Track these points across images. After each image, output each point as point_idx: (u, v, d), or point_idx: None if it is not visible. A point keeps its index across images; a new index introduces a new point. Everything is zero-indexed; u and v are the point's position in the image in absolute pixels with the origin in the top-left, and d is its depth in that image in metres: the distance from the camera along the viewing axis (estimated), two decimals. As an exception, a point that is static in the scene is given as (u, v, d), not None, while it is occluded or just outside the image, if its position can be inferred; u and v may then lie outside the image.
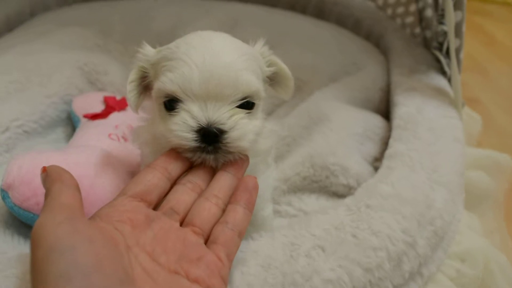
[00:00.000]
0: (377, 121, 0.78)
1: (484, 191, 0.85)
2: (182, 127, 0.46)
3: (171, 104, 0.47)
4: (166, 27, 1.01)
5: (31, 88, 0.76)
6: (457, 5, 0.77)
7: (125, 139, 0.64)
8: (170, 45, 0.49)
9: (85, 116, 0.69)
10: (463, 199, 0.65)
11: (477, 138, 1.01)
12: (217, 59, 0.46)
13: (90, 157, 0.55)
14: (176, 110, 0.46)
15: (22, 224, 0.55)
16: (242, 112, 0.47)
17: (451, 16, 0.75)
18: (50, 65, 0.80)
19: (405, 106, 0.73)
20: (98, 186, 0.53)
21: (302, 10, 1.23)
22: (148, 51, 0.50)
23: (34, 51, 0.84)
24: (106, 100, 0.71)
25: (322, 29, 1.06)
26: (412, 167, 0.58)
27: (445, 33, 0.84)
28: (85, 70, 0.83)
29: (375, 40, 1.07)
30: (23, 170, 0.51)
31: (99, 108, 0.71)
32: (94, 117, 0.68)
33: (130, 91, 0.50)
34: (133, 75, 0.50)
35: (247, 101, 0.47)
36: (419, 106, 0.72)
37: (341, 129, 0.74)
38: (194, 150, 0.46)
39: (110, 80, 0.84)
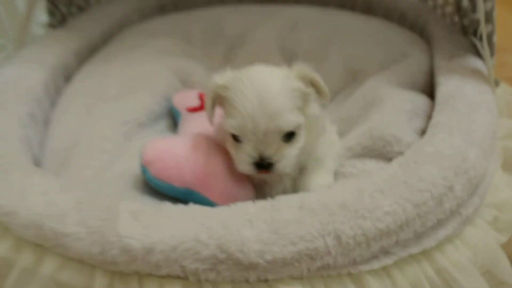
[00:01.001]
0: (423, 100, 0.92)
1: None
2: (243, 162, 0.66)
3: (235, 137, 0.67)
4: (236, 33, 1.20)
5: (139, 90, 0.96)
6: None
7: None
8: (232, 81, 0.67)
9: (188, 110, 0.88)
10: (496, 158, 0.78)
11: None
12: (264, 110, 0.63)
13: (203, 140, 0.74)
14: (240, 142, 0.66)
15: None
16: (285, 145, 0.66)
17: (481, 6, 0.88)
18: (150, 71, 1.01)
19: (446, 86, 0.87)
20: (211, 160, 0.72)
21: (352, 7, 1.37)
22: (217, 86, 0.68)
23: (134, 60, 1.05)
24: (201, 95, 0.89)
25: (370, 23, 1.21)
26: (451, 132, 0.72)
27: (478, 21, 0.96)
28: (177, 73, 1.03)
29: (419, 30, 1.20)
30: (158, 150, 0.71)
31: (195, 102, 0.90)
32: (195, 109, 0.87)
33: (208, 110, 0.70)
34: (209, 101, 0.70)
35: (289, 133, 0.66)
36: (457, 85, 0.86)
37: (393, 107, 0.89)
38: (255, 174, 0.68)
39: (197, 80, 1.04)
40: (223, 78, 0.69)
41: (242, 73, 0.68)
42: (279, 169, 0.66)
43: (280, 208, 0.58)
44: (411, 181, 0.62)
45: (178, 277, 0.56)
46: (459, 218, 0.66)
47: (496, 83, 0.99)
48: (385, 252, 0.60)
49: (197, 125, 0.82)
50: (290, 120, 0.65)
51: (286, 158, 0.66)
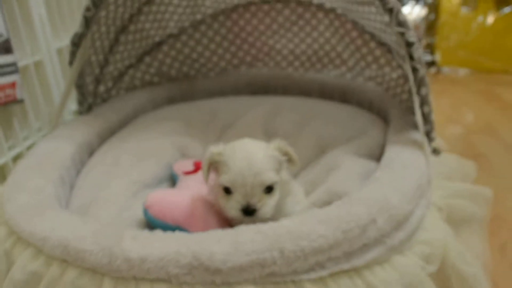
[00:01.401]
0: (374, 165, 1.15)
1: (466, 215, 1.16)
2: (233, 209, 0.86)
3: (227, 190, 0.87)
4: (229, 117, 1.47)
5: (147, 160, 1.21)
6: (422, 82, 1.15)
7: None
8: (225, 150, 0.89)
9: (184, 173, 1.12)
10: (425, 205, 0.98)
11: (472, 179, 1.32)
12: (250, 168, 0.85)
13: (191, 194, 0.97)
14: (230, 194, 0.87)
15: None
16: (266, 196, 0.87)
17: (415, 98, 1.13)
18: (157, 146, 1.27)
19: (389, 152, 1.10)
20: (196, 207, 0.94)
21: (330, 96, 1.65)
22: (213, 153, 0.91)
23: (146, 138, 1.31)
24: (196, 163, 1.14)
25: (340, 109, 1.48)
26: (382, 184, 0.93)
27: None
28: (179, 147, 1.29)
29: (382, 114, 1.46)
30: (157, 197, 0.94)
31: (190, 168, 1.14)
32: (189, 173, 1.11)
33: (204, 173, 0.91)
34: (205, 166, 0.91)
35: (269, 187, 0.87)
36: (397, 151, 1.09)
37: (347, 170, 1.12)
38: (241, 219, 0.86)
39: (194, 153, 1.29)
40: (218, 147, 0.93)
41: (233, 143, 0.93)
42: (261, 214, 0.87)
43: (241, 233, 0.79)
44: (342, 215, 0.83)
45: (164, 280, 0.75)
46: (384, 246, 0.85)
47: (437, 152, 1.21)
48: (321, 265, 0.79)
49: (190, 183, 1.05)
50: (269, 176, 0.87)
51: (267, 205, 0.87)
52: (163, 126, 1.40)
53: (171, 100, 1.67)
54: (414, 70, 1.14)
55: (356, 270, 0.82)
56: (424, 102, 1.17)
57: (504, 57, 2.80)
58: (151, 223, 0.93)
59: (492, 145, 1.82)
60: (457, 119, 2.15)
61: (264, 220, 0.84)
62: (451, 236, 1.01)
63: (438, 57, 2.91)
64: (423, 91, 1.16)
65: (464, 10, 2.86)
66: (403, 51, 1.25)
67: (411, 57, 1.13)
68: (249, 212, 0.86)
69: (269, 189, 0.88)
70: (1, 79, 1.21)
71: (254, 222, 0.83)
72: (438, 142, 1.43)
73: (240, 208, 0.86)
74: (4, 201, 0.95)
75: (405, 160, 1.04)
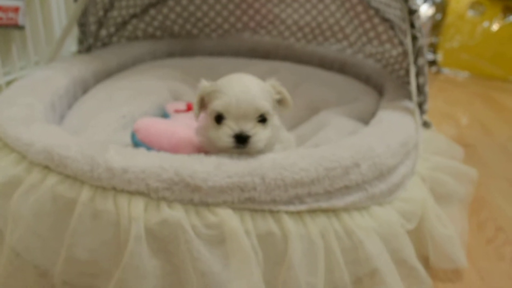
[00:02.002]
0: (362, 127, 1.16)
1: (448, 191, 1.17)
2: (225, 135, 0.80)
3: (219, 119, 0.81)
4: (227, 72, 1.46)
5: (140, 98, 1.22)
6: (420, 52, 1.16)
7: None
8: (218, 81, 0.84)
9: (175, 111, 1.12)
10: (408, 166, 0.99)
11: (459, 161, 1.33)
12: (245, 94, 0.80)
13: (180, 123, 0.97)
14: (222, 123, 0.81)
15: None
16: (259, 125, 0.81)
17: (412, 67, 1.14)
18: (151, 87, 1.28)
19: (379, 114, 1.11)
20: (182, 137, 0.94)
21: (330, 67, 1.66)
22: (205, 85, 0.87)
23: (141, 79, 1.31)
24: (188, 104, 1.14)
25: (338, 77, 1.48)
26: (367, 135, 0.94)
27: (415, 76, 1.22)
28: (172, 91, 1.29)
29: (378, 88, 1.47)
30: (146, 122, 0.94)
31: (182, 108, 1.14)
32: (180, 111, 1.11)
33: (195, 108, 0.86)
34: (197, 99, 0.86)
35: (262, 118, 0.82)
36: (388, 113, 1.10)
37: (336, 128, 1.13)
38: (233, 148, 0.81)
39: (187, 98, 1.29)
40: (213, 81, 0.88)
41: (229, 76, 0.88)
42: (253, 143, 0.80)
43: (224, 158, 0.80)
44: (326, 155, 0.83)
45: (143, 193, 0.76)
46: (365, 192, 0.86)
47: (428, 125, 1.23)
48: (300, 199, 0.80)
49: (180, 119, 1.05)
50: (264, 104, 0.81)
51: (260, 134, 0.81)
52: (160, 71, 1.41)
53: (171, 55, 1.67)
54: (414, 38, 1.15)
55: (335, 211, 0.83)
56: (420, 72, 1.18)
57: (505, 64, 2.82)
58: (138, 147, 0.93)
59: (482, 140, 1.84)
60: (451, 116, 2.17)
61: (254, 154, 0.82)
62: (431, 199, 1.02)
63: (440, 57, 2.92)
64: (420, 61, 1.17)
65: (471, 14, 2.87)
66: (404, 25, 1.26)
67: (412, 25, 1.13)
68: (241, 139, 0.80)
69: (262, 120, 0.83)
70: (5, 1, 1.21)
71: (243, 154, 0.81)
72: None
73: (232, 135, 0.80)
74: (-7, 111, 0.95)
75: (394, 120, 1.06)
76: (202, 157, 0.80)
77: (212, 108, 0.83)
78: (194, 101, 0.88)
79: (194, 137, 0.94)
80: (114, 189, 0.77)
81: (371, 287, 0.84)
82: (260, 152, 0.84)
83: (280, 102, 0.90)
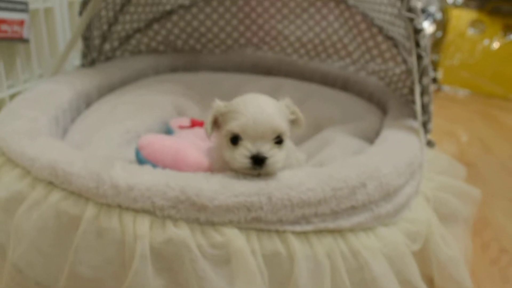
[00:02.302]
0: (366, 146, 1.16)
1: (452, 211, 1.17)
2: (242, 156, 0.78)
3: (235, 140, 0.79)
4: (230, 90, 1.47)
5: (143, 113, 1.21)
6: (424, 71, 1.16)
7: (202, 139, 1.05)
8: (233, 102, 0.82)
9: (180, 127, 1.12)
10: (414, 186, 0.98)
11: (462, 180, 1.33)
12: (262, 114, 0.78)
13: (185, 140, 0.96)
14: (238, 144, 0.79)
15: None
16: (276, 146, 0.80)
17: (417, 86, 1.14)
18: (154, 102, 1.27)
19: (384, 133, 1.10)
20: (189, 154, 0.94)
21: (332, 85, 1.66)
22: (219, 105, 0.85)
23: (145, 93, 1.31)
24: (192, 120, 1.13)
25: (342, 95, 1.48)
26: (373, 155, 0.94)
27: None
28: (176, 106, 1.29)
29: (382, 106, 1.47)
30: (150, 139, 0.93)
31: (186, 124, 1.13)
32: (185, 127, 1.11)
33: (208, 127, 0.84)
34: (210, 118, 0.84)
35: (279, 139, 0.80)
36: (392, 133, 1.09)
37: (341, 146, 1.12)
38: (249, 170, 0.79)
39: (191, 114, 1.29)
40: (225, 102, 0.87)
41: (243, 96, 0.86)
42: (270, 165, 0.78)
43: (230, 176, 0.79)
44: (333, 174, 0.83)
45: (148, 211, 0.75)
46: (371, 213, 0.85)
47: (432, 144, 1.22)
48: (306, 220, 0.79)
49: (184, 136, 1.05)
50: (281, 124, 0.80)
51: (277, 155, 0.79)
52: (163, 86, 1.40)
53: (174, 70, 1.67)
54: (419, 57, 1.15)
55: (341, 232, 0.83)
56: (424, 91, 1.18)
57: (505, 83, 2.84)
58: (142, 164, 0.92)
59: (483, 158, 1.84)
60: (452, 133, 2.17)
61: (270, 175, 0.80)
62: (435, 220, 1.01)
63: (440, 74, 2.94)
64: (425, 80, 1.17)
65: (471, 32, 2.89)
66: (409, 44, 1.26)
67: (418, 44, 1.14)
68: (258, 160, 0.78)
69: (279, 141, 0.81)
70: (10, 14, 1.21)
71: (259, 175, 0.80)
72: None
73: (249, 156, 0.78)
74: (-3, 126, 0.94)
75: (399, 140, 1.05)
76: (208, 176, 0.79)
77: (228, 129, 0.81)
78: (207, 120, 0.86)
79: (199, 155, 0.94)
80: (120, 206, 0.76)
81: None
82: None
83: (293, 122, 0.89)
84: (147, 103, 1.26)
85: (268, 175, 0.80)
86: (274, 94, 1.45)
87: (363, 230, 0.85)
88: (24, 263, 0.79)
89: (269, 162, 0.78)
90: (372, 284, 0.81)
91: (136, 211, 0.75)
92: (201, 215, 0.75)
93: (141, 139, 0.93)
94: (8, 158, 0.86)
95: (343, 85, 1.64)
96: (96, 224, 0.75)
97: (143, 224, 0.74)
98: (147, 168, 0.81)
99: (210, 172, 0.90)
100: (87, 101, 1.31)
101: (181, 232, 0.73)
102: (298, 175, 0.81)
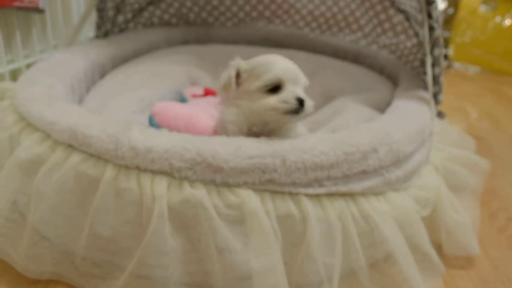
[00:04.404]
0: (377, 115, 1.17)
1: (461, 181, 1.18)
2: (290, 98, 0.81)
3: (275, 88, 0.83)
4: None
5: (157, 82, 1.23)
6: (436, 43, 1.17)
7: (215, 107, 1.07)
8: (253, 60, 0.86)
9: (193, 95, 1.14)
10: (424, 154, 0.99)
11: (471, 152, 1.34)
12: (295, 68, 0.86)
13: (197, 108, 0.98)
14: (279, 91, 0.82)
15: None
16: None
17: (428, 58, 1.14)
18: (168, 71, 1.29)
19: (395, 103, 1.11)
20: (201, 120, 0.95)
21: (343, 57, 1.67)
22: (240, 62, 0.88)
23: (158, 64, 1.33)
24: (205, 89, 1.15)
25: (353, 68, 1.49)
26: (384, 123, 0.95)
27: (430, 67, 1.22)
28: (190, 76, 1.30)
29: (393, 79, 1.47)
30: (163, 106, 0.95)
31: (199, 93, 1.15)
32: (194, 96, 1.13)
33: (232, 81, 0.85)
34: (233, 73, 0.86)
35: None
36: (403, 102, 1.10)
37: (354, 114, 1.14)
38: (290, 112, 0.82)
39: (203, 84, 1.30)
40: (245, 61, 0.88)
41: (261, 56, 0.88)
42: (306, 108, 0.83)
43: (245, 140, 0.81)
44: (345, 139, 0.84)
45: (166, 173, 0.77)
46: (382, 178, 0.87)
47: (442, 115, 1.23)
48: (319, 183, 0.81)
49: (197, 104, 1.07)
50: (306, 79, 0.87)
51: (309, 100, 0.84)
52: (176, 57, 1.42)
53: (185, 42, 1.68)
54: (431, 29, 1.15)
55: (352, 196, 0.85)
56: (435, 63, 1.18)
57: (516, 60, 2.81)
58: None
59: (492, 132, 1.84)
60: (462, 109, 2.17)
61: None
62: (444, 187, 1.03)
63: (451, 51, 2.91)
64: (436, 51, 1.18)
65: (483, 9, 2.86)
66: (420, 16, 1.26)
67: (430, 16, 1.14)
68: (302, 101, 0.82)
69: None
70: (26, -15, 1.22)
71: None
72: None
73: (296, 97, 0.81)
74: (16, 92, 0.96)
75: (410, 109, 1.07)
76: (223, 139, 0.81)
77: (267, 78, 0.83)
78: (228, 76, 0.87)
79: (212, 121, 0.96)
80: (138, 168, 0.78)
81: (386, 270, 0.85)
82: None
83: None
84: (160, 73, 1.28)
85: (282, 138, 0.83)
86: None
87: (373, 195, 0.87)
88: (43, 224, 0.82)
89: (307, 104, 0.83)
90: (382, 246, 0.84)
91: (154, 172, 0.78)
92: (217, 177, 0.77)
93: (155, 106, 0.95)
94: (28, 123, 0.88)
95: (354, 58, 1.65)
96: (115, 185, 0.78)
97: (161, 185, 0.76)
98: (164, 131, 0.83)
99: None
100: (101, 71, 1.33)
101: (198, 193, 0.76)
102: (311, 139, 0.83)
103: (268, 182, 0.78)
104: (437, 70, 1.19)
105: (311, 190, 0.80)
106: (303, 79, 0.86)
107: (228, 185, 0.78)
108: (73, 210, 0.81)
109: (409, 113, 1.04)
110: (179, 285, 0.79)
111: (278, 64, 0.84)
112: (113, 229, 0.79)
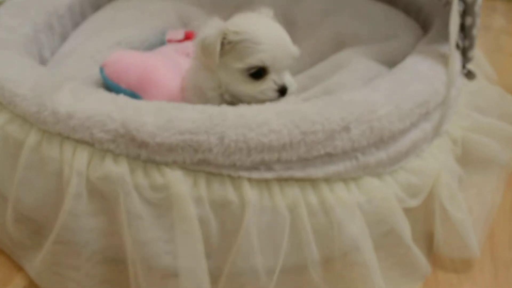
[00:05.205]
0: (385, 72, 0.98)
1: (487, 155, 0.98)
2: (271, 90, 0.76)
3: (258, 73, 0.75)
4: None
5: (143, 21, 1.11)
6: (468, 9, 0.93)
7: (187, 55, 0.94)
8: (241, 27, 0.75)
9: (168, 41, 1.01)
10: (424, 129, 0.81)
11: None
12: (284, 43, 0.76)
13: (157, 56, 0.85)
14: (263, 78, 0.76)
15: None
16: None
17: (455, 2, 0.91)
18: (156, 9, 1.17)
19: (406, 60, 0.91)
20: (158, 74, 0.83)
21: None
22: (228, 30, 0.74)
23: (146, 2, 1.20)
24: (186, 33, 1.02)
25: (377, 7, 1.25)
26: (375, 89, 0.77)
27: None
28: (181, 15, 1.17)
29: (428, 24, 1.24)
30: (116, 56, 0.84)
31: (179, 37, 1.02)
32: (170, 41, 1.00)
33: (214, 55, 0.74)
34: (217, 44, 0.74)
35: None
36: (415, 61, 0.89)
37: (355, 72, 0.96)
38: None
39: (198, 24, 1.13)
40: (231, 24, 0.76)
41: (247, 20, 0.78)
42: (290, 93, 0.78)
43: (184, 109, 0.69)
44: (308, 113, 0.69)
45: (88, 143, 0.67)
46: (354, 161, 0.72)
47: (471, 76, 1.01)
48: (267, 166, 0.68)
49: (166, 51, 0.96)
50: (296, 50, 0.78)
51: (294, 83, 0.79)
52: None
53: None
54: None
55: (313, 181, 0.71)
56: (468, 11, 0.95)
57: None
58: (105, 84, 0.84)
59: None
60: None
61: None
62: (451, 174, 0.85)
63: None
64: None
65: None
66: None
67: None
68: (283, 91, 0.77)
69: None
70: None
71: None
72: (486, 69, 1.22)
73: (277, 89, 0.77)
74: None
75: (418, 72, 0.86)
76: (161, 106, 0.69)
77: (251, 62, 0.75)
78: (213, 45, 0.75)
79: (172, 75, 0.84)
80: (60, 135, 0.69)
81: (344, 268, 0.72)
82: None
83: None
84: (148, 11, 1.15)
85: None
86: (296, 5, 1.28)
87: (342, 181, 0.73)
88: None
89: (290, 91, 0.78)
90: (342, 243, 0.70)
91: (77, 141, 0.68)
92: (142, 152, 0.66)
93: (110, 55, 0.84)
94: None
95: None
96: (39, 151, 0.70)
97: (82, 158, 0.67)
98: (98, 93, 0.73)
99: (181, 99, 0.80)
100: (95, 4, 1.22)
101: (119, 169, 0.66)
102: (264, 112, 0.69)
103: (202, 163, 0.66)
104: (469, 20, 0.96)
105: (255, 174, 0.68)
106: (291, 56, 0.78)
107: (155, 162, 0.67)
108: (3, 169, 0.75)
109: (416, 76, 0.85)
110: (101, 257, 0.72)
111: (266, 43, 0.74)
112: (36, 199, 0.72)
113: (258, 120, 0.67)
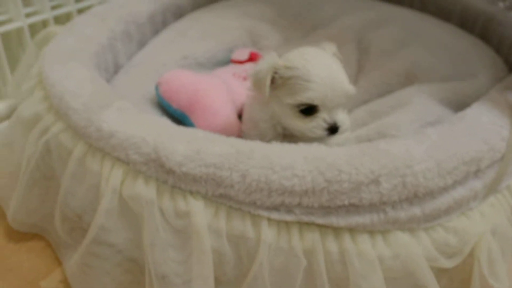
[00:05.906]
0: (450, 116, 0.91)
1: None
2: (319, 128, 0.75)
3: (308, 110, 0.75)
4: (325, 15, 1.28)
5: (214, 37, 1.14)
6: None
7: (244, 79, 0.95)
8: (295, 62, 0.74)
9: (232, 61, 1.03)
10: (472, 188, 0.75)
11: None
12: (337, 81, 0.74)
13: (212, 78, 0.88)
14: (313, 115, 0.75)
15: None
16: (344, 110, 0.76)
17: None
18: (228, 25, 1.18)
19: (469, 109, 0.85)
20: (209, 98, 0.86)
21: (471, 25, 1.33)
22: (278, 64, 0.74)
23: (222, 15, 1.23)
24: (251, 53, 1.03)
25: (463, 39, 1.17)
26: (421, 141, 0.72)
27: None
28: (252, 33, 1.18)
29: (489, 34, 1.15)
30: (171, 75, 0.87)
31: (243, 57, 1.04)
32: (236, 62, 1.02)
33: (265, 88, 0.75)
34: (268, 77, 0.74)
35: None
36: (480, 111, 0.82)
37: (412, 114, 0.90)
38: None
39: (267, 44, 1.17)
40: (284, 59, 0.77)
41: (300, 54, 0.77)
42: (341, 132, 0.78)
43: (215, 141, 0.70)
44: (337, 161, 0.67)
45: (124, 162, 0.72)
46: (382, 215, 0.69)
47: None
48: (288, 208, 0.67)
49: (223, 73, 0.97)
50: (352, 88, 0.76)
51: (347, 121, 0.78)
52: (246, 8, 1.27)
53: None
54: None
55: (335, 229, 0.69)
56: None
57: None
58: (159, 102, 0.88)
59: None
60: None
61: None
62: (500, 237, 0.78)
63: None
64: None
65: None
66: None
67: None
68: (334, 130, 0.76)
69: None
70: None
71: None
72: None
73: (327, 127, 0.76)
74: (52, 42, 0.97)
75: (479, 123, 0.80)
76: (196, 135, 0.72)
77: (300, 99, 0.74)
78: (263, 78, 0.75)
79: (224, 101, 0.86)
80: (103, 150, 0.74)
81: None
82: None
83: None
84: (219, 26, 1.17)
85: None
86: (372, 31, 1.23)
87: (368, 232, 0.70)
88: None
89: (341, 130, 0.77)
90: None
91: (116, 158, 0.73)
92: (170, 178, 0.69)
93: (166, 74, 0.88)
94: (40, 79, 0.89)
95: (484, 25, 1.29)
96: (83, 163, 0.76)
97: (117, 175, 0.72)
98: (145, 115, 0.77)
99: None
100: (178, 12, 1.27)
101: (149, 191, 0.69)
102: (292, 155, 0.68)
103: (223, 196, 0.68)
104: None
105: (275, 215, 0.68)
106: (345, 95, 0.75)
107: (180, 189, 0.69)
108: (58, 174, 0.82)
109: (474, 128, 0.79)
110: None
111: (316, 82, 0.73)
112: (78, 206, 0.78)
113: (283, 163, 0.67)
